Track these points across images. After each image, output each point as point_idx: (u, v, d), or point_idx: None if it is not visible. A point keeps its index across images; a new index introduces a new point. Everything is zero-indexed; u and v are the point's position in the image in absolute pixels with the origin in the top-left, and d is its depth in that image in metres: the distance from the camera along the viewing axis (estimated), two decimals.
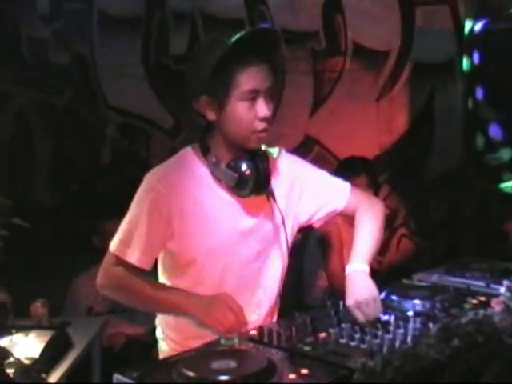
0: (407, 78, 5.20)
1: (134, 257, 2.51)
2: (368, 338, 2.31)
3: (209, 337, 2.38)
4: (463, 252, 4.16)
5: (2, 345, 3.17)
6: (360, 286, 2.51)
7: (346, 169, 4.59)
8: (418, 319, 2.45)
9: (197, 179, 2.54)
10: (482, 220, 4.93)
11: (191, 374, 2.04)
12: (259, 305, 2.66)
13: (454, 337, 1.33)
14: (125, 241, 2.53)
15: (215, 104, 2.45)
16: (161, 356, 2.70)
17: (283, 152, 2.76)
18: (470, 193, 4.79)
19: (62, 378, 3.26)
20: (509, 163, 4.37)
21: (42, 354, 3.22)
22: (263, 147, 2.61)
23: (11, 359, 2.95)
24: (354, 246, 2.67)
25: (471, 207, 4.98)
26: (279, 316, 2.76)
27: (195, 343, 2.35)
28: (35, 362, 3.11)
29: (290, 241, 2.67)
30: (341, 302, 2.59)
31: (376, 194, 4.58)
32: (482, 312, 2.50)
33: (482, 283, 3.03)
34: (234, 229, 2.56)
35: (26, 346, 3.33)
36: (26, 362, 3.04)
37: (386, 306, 2.56)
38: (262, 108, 2.43)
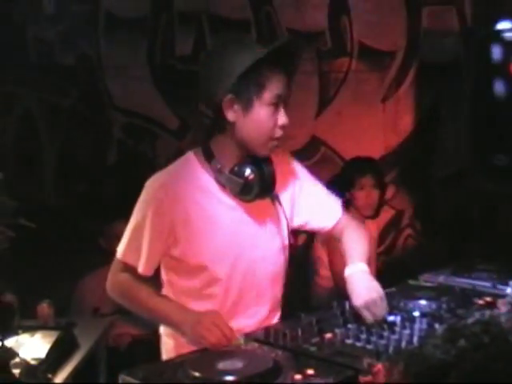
0: (413, 78, 5.19)
1: (139, 263, 2.53)
2: (374, 338, 2.31)
3: None
4: (469, 253, 4.14)
5: (9, 345, 3.17)
6: (365, 286, 2.52)
7: (352, 169, 4.59)
8: (424, 320, 2.45)
9: (200, 186, 2.53)
10: (489, 221, 4.92)
11: (197, 374, 2.04)
12: (265, 305, 2.67)
13: (460, 337, 1.33)
14: (130, 248, 2.56)
15: (240, 105, 2.43)
16: (164, 352, 2.72)
17: (291, 156, 2.76)
18: (477, 193, 4.77)
19: (67, 378, 3.26)
20: None
21: (48, 354, 3.22)
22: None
23: (17, 359, 2.95)
24: (347, 254, 2.68)
25: (477, 208, 4.97)
26: (285, 317, 2.76)
27: (187, 340, 2.41)
28: (41, 362, 3.11)
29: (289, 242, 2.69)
30: (346, 303, 2.60)
31: (382, 194, 4.59)
32: (488, 312, 2.51)
33: (488, 284, 3.02)
34: (239, 233, 2.56)
35: (32, 346, 3.33)
36: (32, 362, 3.04)
37: (393, 307, 2.56)
38: (283, 116, 2.46)
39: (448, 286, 3.03)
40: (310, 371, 2.08)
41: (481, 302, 2.74)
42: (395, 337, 2.30)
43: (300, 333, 2.37)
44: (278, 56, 2.43)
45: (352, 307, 2.54)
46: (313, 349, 2.28)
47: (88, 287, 4.69)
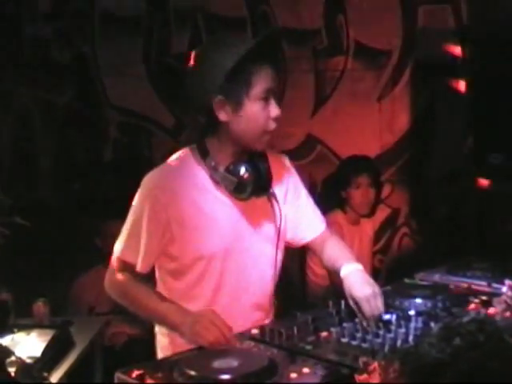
0: (409, 77, 5.19)
1: (136, 261, 2.53)
2: (369, 337, 2.31)
3: None
4: (465, 251, 4.15)
5: (4, 344, 3.17)
6: (362, 281, 2.52)
7: (348, 168, 4.60)
8: (420, 318, 2.45)
9: (196, 183, 2.54)
10: (484, 219, 4.92)
11: (193, 372, 2.04)
12: (257, 304, 2.67)
13: (456, 336, 1.33)
14: (127, 245, 2.56)
15: (230, 104, 2.44)
16: (159, 350, 2.72)
17: (287, 159, 2.77)
18: (472, 192, 4.78)
19: (63, 377, 3.26)
20: (511, 163, 4.36)
21: (44, 353, 3.22)
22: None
23: (13, 358, 2.94)
24: (338, 258, 2.68)
25: (473, 207, 4.97)
26: (280, 315, 2.76)
27: (186, 340, 2.41)
28: (37, 360, 3.11)
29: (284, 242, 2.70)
30: (342, 301, 2.60)
31: (378, 193, 4.59)
32: (483, 311, 2.51)
33: (483, 282, 3.02)
34: (234, 231, 2.56)
35: (28, 345, 3.33)
36: (28, 360, 3.04)
37: (388, 306, 2.56)
38: (274, 108, 2.46)
39: (443, 284, 3.04)
40: (306, 370, 2.08)
41: (476, 300, 2.74)
42: (391, 335, 2.31)
43: (296, 331, 2.38)
44: (261, 50, 2.42)
45: (348, 304, 2.54)
46: (308, 347, 2.28)
47: (84, 286, 4.69)
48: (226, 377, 2.02)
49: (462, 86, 4.80)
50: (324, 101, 5.30)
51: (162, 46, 5.35)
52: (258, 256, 2.62)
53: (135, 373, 2.10)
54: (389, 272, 5.34)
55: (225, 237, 2.55)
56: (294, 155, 2.84)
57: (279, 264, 2.71)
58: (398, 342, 2.26)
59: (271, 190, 2.56)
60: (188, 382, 2.03)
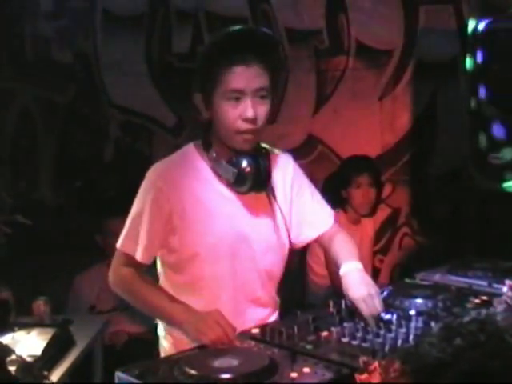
0: (410, 77, 5.18)
1: (138, 253, 2.52)
2: (370, 336, 2.31)
3: None
4: (465, 251, 4.14)
5: (4, 342, 3.17)
6: (362, 281, 2.52)
7: (349, 167, 4.60)
8: (420, 318, 2.45)
9: (197, 175, 2.55)
10: (485, 219, 4.92)
11: (193, 372, 2.04)
12: (258, 300, 2.67)
13: (457, 336, 1.33)
14: (130, 237, 2.56)
15: (204, 101, 2.48)
16: (162, 353, 2.72)
17: (290, 157, 2.76)
18: (473, 192, 4.77)
19: (63, 375, 3.26)
20: (511, 163, 4.36)
21: (44, 351, 3.22)
22: (276, 150, 2.66)
23: (13, 357, 2.95)
24: (340, 254, 2.67)
25: (474, 207, 4.97)
26: (281, 315, 2.76)
27: (188, 338, 2.41)
28: (37, 359, 3.11)
29: (287, 240, 2.69)
30: (343, 301, 2.60)
31: (379, 192, 4.59)
32: (484, 311, 2.51)
33: (484, 282, 3.02)
34: (234, 225, 2.57)
35: (28, 343, 3.33)
36: (28, 359, 3.04)
37: (389, 305, 2.56)
38: (247, 109, 2.42)
39: (444, 284, 3.04)
40: (306, 369, 2.08)
41: (477, 300, 2.74)
42: (391, 335, 2.31)
43: (296, 331, 2.38)
44: (236, 48, 2.42)
45: (348, 304, 2.55)
46: (309, 347, 2.28)
47: (84, 284, 4.69)
48: (226, 376, 2.02)
49: (462, 85, 4.79)
50: (325, 100, 5.29)
51: (163, 45, 5.35)
52: (261, 252, 2.62)
53: (135, 371, 2.10)
54: (389, 272, 5.34)
55: (225, 230, 2.55)
56: (295, 155, 2.82)
57: (282, 259, 2.70)
58: (399, 342, 2.26)
59: (270, 187, 2.56)
60: (188, 381, 2.03)
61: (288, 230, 2.67)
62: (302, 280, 4.73)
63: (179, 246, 2.54)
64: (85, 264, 4.71)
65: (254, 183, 2.49)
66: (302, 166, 2.82)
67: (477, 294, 2.84)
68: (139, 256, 2.52)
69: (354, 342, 2.30)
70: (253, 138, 2.49)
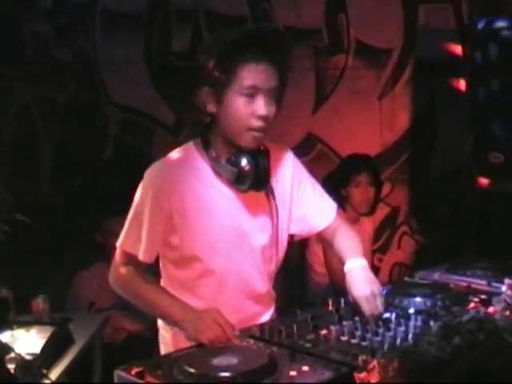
0: (410, 76, 5.19)
1: (140, 252, 2.52)
2: (369, 335, 2.31)
3: None
4: (465, 250, 4.15)
5: (3, 340, 3.17)
6: (366, 279, 2.53)
7: (348, 166, 4.60)
8: (419, 317, 2.45)
9: (197, 174, 2.55)
10: (484, 218, 4.92)
11: (192, 370, 2.04)
12: (256, 297, 2.68)
13: (455, 335, 1.33)
14: (131, 236, 2.56)
15: (215, 95, 2.45)
16: (162, 343, 2.73)
17: (290, 152, 2.76)
18: (472, 191, 4.77)
19: (62, 373, 3.27)
20: (511, 162, 4.36)
21: (43, 349, 3.22)
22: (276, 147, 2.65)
23: (12, 355, 2.95)
24: (345, 250, 2.67)
25: (473, 206, 4.97)
26: (280, 313, 2.77)
27: (186, 336, 2.42)
28: (36, 357, 3.11)
29: (286, 238, 2.70)
30: (342, 300, 2.60)
31: (378, 191, 4.59)
32: (483, 310, 2.51)
33: (483, 281, 3.03)
34: (234, 224, 2.57)
35: (27, 341, 3.34)
36: (27, 357, 3.04)
37: (388, 304, 2.56)
38: (260, 106, 2.43)
39: (443, 283, 3.04)
40: (305, 368, 2.08)
41: (476, 299, 2.74)
42: (390, 334, 2.31)
43: (295, 329, 2.38)
44: (254, 45, 2.42)
45: (349, 302, 2.55)
46: (308, 345, 2.28)
47: (84, 282, 4.69)
48: (225, 374, 2.02)
49: (462, 84, 4.79)
50: (324, 99, 5.30)
51: (162, 44, 5.35)
52: (259, 249, 2.63)
53: (135, 370, 2.10)
54: (389, 271, 5.35)
55: (225, 228, 2.56)
56: (294, 153, 2.82)
57: (280, 257, 2.71)
58: (398, 341, 2.26)
59: (269, 185, 2.56)
60: (188, 380, 2.03)
61: (287, 227, 2.68)
62: (301, 278, 4.73)
63: (180, 244, 2.55)
64: (84, 263, 4.71)
65: (254, 182, 2.49)
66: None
67: (476, 292, 2.84)
68: (141, 255, 2.52)
69: (353, 341, 2.30)
70: (261, 137, 2.49)
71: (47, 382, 2.95)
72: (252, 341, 2.34)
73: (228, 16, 5.18)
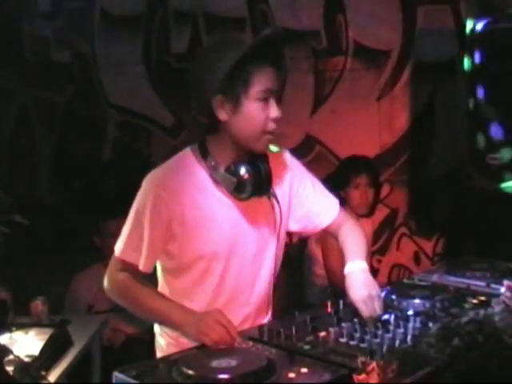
0: (408, 77, 5.19)
1: (139, 261, 2.51)
2: (368, 337, 2.31)
3: None
4: (464, 252, 4.14)
5: (2, 342, 3.17)
6: (364, 282, 2.52)
7: (347, 168, 4.59)
8: (418, 319, 2.45)
9: (196, 182, 2.53)
10: (483, 220, 4.92)
11: (191, 372, 2.04)
12: (254, 304, 2.67)
13: (455, 336, 1.33)
14: (130, 245, 2.54)
15: (230, 103, 2.43)
16: (158, 351, 2.72)
17: (288, 153, 2.76)
18: (471, 193, 4.77)
19: (61, 375, 3.26)
20: (510, 163, 4.36)
21: (42, 351, 3.22)
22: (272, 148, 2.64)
23: (11, 357, 2.95)
24: (346, 251, 2.68)
25: (472, 207, 4.97)
26: (279, 315, 2.76)
27: (190, 340, 2.41)
28: (35, 359, 3.11)
29: (284, 242, 2.71)
30: (341, 301, 2.60)
31: (377, 193, 4.59)
32: (482, 312, 2.51)
33: (482, 283, 3.02)
34: (234, 232, 2.56)
35: (26, 343, 3.33)
36: (26, 359, 3.04)
37: (387, 306, 2.56)
38: (274, 109, 2.45)
39: (442, 284, 3.03)
40: (304, 370, 2.08)
41: (475, 301, 2.74)
42: (389, 335, 2.30)
43: (294, 331, 2.37)
44: (262, 50, 2.42)
45: (348, 304, 2.55)
46: (307, 347, 2.27)
47: (82, 284, 4.69)
48: (224, 376, 2.02)
49: (460, 86, 4.79)
50: (323, 101, 5.30)
51: (161, 46, 5.35)
52: (258, 256, 2.62)
53: (133, 372, 2.10)
54: (387, 272, 5.35)
55: (224, 237, 2.55)
56: (293, 155, 2.82)
57: (278, 264, 2.72)
58: (397, 342, 2.25)
59: (272, 190, 2.56)
60: (186, 382, 2.02)
61: (288, 231, 2.68)
62: (300, 280, 4.73)
63: (178, 252, 2.54)
64: (83, 264, 4.70)
65: (254, 190, 2.49)
66: None
67: (475, 294, 2.84)
68: (141, 265, 2.51)
69: (352, 343, 2.30)
70: (273, 139, 2.52)
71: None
72: (251, 343, 2.33)
73: (226, 17, 5.18)
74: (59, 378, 3.23)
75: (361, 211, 4.52)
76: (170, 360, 2.21)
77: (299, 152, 5.06)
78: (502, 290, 2.74)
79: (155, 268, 2.64)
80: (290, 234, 2.87)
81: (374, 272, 5.05)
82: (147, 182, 2.55)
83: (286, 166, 2.70)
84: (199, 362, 2.12)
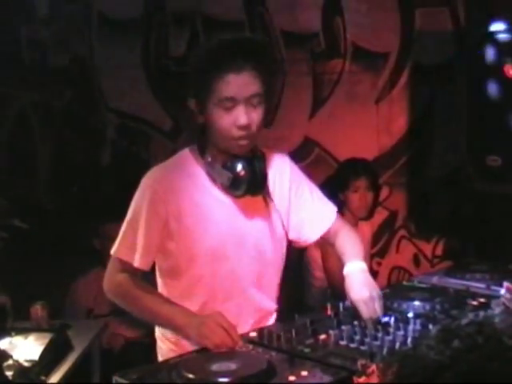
0: (407, 79, 5.19)
1: (136, 259, 2.51)
2: (368, 339, 2.31)
3: None
4: (463, 253, 4.15)
5: (2, 347, 3.17)
6: (364, 282, 2.52)
7: (346, 171, 4.59)
8: (418, 321, 2.45)
9: (193, 179, 2.55)
10: (483, 221, 4.92)
11: (191, 375, 2.04)
12: (254, 304, 2.66)
13: (454, 338, 1.32)
14: (126, 243, 2.54)
15: (199, 107, 2.49)
16: (159, 355, 2.71)
17: (287, 158, 2.76)
18: (471, 194, 4.77)
19: (61, 380, 3.26)
20: (509, 164, 4.36)
21: (42, 356, 3.22)
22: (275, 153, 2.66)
23: (10, 361, 2.95)
24: (345, 253, 2.67)
25: (471, 209, 4.97)
26: (279, 318, 2.75)
27: (191, 343, 2.40)
28: (35, 364, 3.11)
29: (285, 243, 2.69)
30: (341, 304, 2.60)
31: (376, 196, 4.59)
32: (482, 313, 2.51)
33: (482, 285, 3.02)
34: (230, 229, 2.56)
35: (26, 348, 3.33)
36: (26, 364, 3.04)
37: (386, 308, 2.56)
38: (240, 116, 2.43)
39: (442, 286, 3.03)
40: (304, 372, 2.08)
41: (475, 302, 2.74)
42: (389, 338, 2.31)
43: (294, 334, 2.37)
44: (226, 57, 2.42)
45: (347, 307, 2.55)
46: (307, 350, 2.27)
47: (82, 289, 4.69)
48: (224, 380, 2.02)
49: (459, 88, 4.79)
50: (322, 103, 5.30)
51: (159, 49, 5.35)
52: (255, 254, 2.62)
53: (133, 376, 2.10)
54: (387, 274, 5.34)
55: (221, 234, 2.55)
56: (292, 158, 2.82)
57: (280, 264, 2.70)
58: (397, 345, 2.26)
59: (266, 190, 2.56)
60: None
61: (286, 232, 2.67)
62: (300, 283, 4.73)
63: (176, 250, 2.54)
64: (83, 268, 4.70)
65: (249, 187, 2.49)
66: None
67: (475, 296, 2.84)
68: (137, 262, 2.51)
69: (352, 345, 2.30)
70: (248, 144, 2.50)
71: None
72: (251, 346, 2.33)
73: (225, 21, 5.17)
74: (59, 382, 3.22)
75: (360, 214, 4.52)
76: (170, 363, 2.21)
77: (298, 155, 5.09)
78: (502, 291, 2.74)
79: (154, 268, 2.64)
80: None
81: (374, 274, 5.04)
82: (144, 181, 2.57)
83: (286, 170, 2.70)
84: (199, 366, 2.12)
